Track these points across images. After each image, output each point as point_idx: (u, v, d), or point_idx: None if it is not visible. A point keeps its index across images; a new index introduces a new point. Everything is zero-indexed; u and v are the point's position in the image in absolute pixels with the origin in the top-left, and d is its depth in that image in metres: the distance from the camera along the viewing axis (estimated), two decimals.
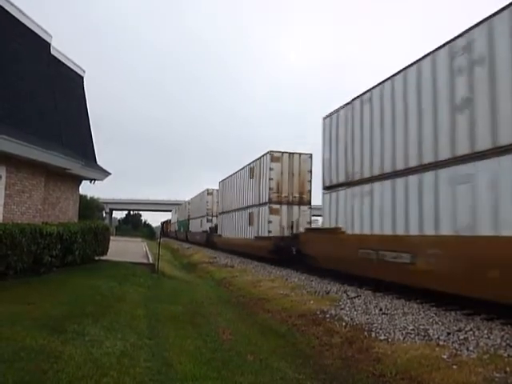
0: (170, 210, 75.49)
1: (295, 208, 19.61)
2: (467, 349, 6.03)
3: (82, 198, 19.86)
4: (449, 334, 6.77)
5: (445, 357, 5.83)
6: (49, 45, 13.34)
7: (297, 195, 19.75)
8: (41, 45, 12.84)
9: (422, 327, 7.26)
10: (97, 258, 13.43)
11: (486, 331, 6.71)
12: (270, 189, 19.54)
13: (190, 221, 46.99)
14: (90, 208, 23.29)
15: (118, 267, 12.77)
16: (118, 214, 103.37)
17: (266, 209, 19.85)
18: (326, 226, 13.78)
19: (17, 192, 10.84)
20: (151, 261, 15.63)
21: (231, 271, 18.15)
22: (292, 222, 19.42)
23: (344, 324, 8.15)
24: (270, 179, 19.53)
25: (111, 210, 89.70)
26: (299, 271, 15.87)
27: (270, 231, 19.37)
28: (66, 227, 11.01)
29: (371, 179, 11.22)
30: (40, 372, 3.92)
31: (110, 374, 4.13)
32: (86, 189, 21.85)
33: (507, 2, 7.34)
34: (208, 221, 37.31)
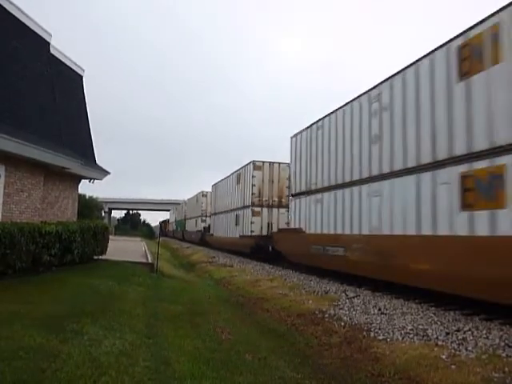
0: (169, 210, 75.55)
1: (275, 210, 22.03)
2: (466, 349, 6.03)
3: (81, 197, 19.87)
4: (447, 333, 6.77)
5: (443, 357, 5.83)
6: (48, 44, 13.33)
7: (276, 199, 22.15)
8: (40, 44, 12.83)
9: (420, 327, 7.26)
10: (96, 257, 13.42)
11: (484, 331, 6.72)
12: (252, 194, 21.89)
13: (187, 221, 48.44)
14: (89, 207, 23.28)
15: (117, 266, 12.76)
16: (117, 214, 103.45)
17: (249, 211, 22.09)
18: (292, 227, 16.48)
19: (16, 191, 10.83)
20: (150, 260, 15.63)
21: (230, 271, 18.16)
22: (268, 223, 21.78)
23: (343, 324, 8.16)
24: (252, 185, 21.99)
25: (110, 210, 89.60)
26: (298, 271, 15.89)
27: (252, 231, 21.68)
28: (64, 226, 10.99)
29: (321, 190, 14.12)
30: (38, 371, 3.91)
31: (109, 373, 4.12)
32: (85, 188, 21.96)
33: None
34: (202, 221, 38.94)
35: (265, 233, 21.36)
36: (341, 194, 12.62)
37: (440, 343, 6.39)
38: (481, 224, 7.39)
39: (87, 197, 25.26)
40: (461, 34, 8.24)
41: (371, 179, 11.02)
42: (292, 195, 16.78)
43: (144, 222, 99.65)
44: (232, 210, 25.92)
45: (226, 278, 16.31)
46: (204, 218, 38.57)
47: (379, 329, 7.51)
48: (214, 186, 33.35)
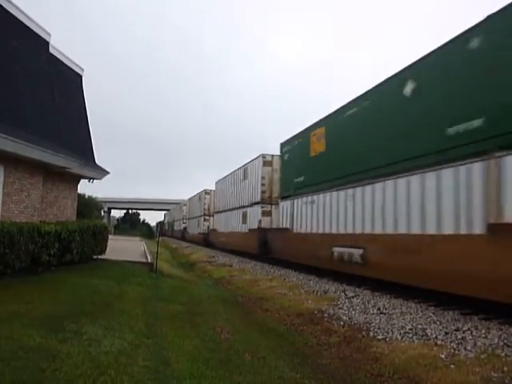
0: (169, 209, 75.72)
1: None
2: (465, 348, 6.04)
3: (81, 196, 19.82)
4: (447, 333, 6.78)
5: (443, 356, 5.84)
6: (47, 43, 13.31)
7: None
8: (39, 43, 12.82)
9: (419, 327, 7.27)
10: (95, 257, 13.41)
11: (483, 331, 6.72)
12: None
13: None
14: (88, 207, 23.19)
15: (117, 266, 12.76)
16: (117, 213, 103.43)
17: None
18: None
19: (15, 191, 10.82)
20: (150, 260, 15.62)
21: (230, 270, 18.16)
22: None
23: (342, 323, 8.16)
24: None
25: (110, 209, 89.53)
26: (297, 271, 15.88)
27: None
28: (64, 226, 10.98)
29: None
30: (38, 371, 3.91)
31: (108, 372, 4.12)
32: (85, 188, 21.93)
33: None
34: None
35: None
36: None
37: (439, 343, 6.39)
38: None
39: (86, 196, 25.17)
40: None
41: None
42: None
43: (143, 221, 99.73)
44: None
45: (226, 277, 16.31)
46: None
47: (378, 328, 7.52)
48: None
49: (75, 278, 9.71)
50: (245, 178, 23.82)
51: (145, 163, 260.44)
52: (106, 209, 76.32)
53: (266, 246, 19.03)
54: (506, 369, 5.17)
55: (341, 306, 9.51)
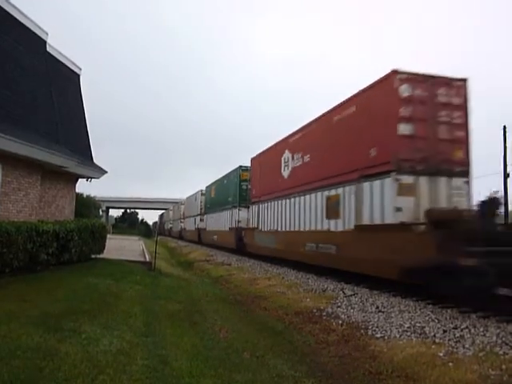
0: (167, 208, 75.72)
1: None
2: (463, 346, 6.05)
3: (79, 196, 19.79)
4: (445, 331, 6.79)
5: (441, 354, 5.85)
6: (45, 42, 13.28)
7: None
8: (37, 42, 12.78)
9: (418, 325, 7.28)
10: (93, 256, 13.40)
11: (481, 329, 6.74)
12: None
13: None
14: (86, 206, 23.15)
15: (115, 265, 12.75)
16: (115, 212, 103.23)
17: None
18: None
19: (13, 190, 10.80)
20: (148, 259, 15.62)
21: (228, 269, 18.17)
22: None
23: (340, 322, 8.17)
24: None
25: (108, 208, 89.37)
26: (296, 269, 15.89)
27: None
28: (62, 225, 10.96)
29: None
30: (36, 370, 3.91)
31: (107, 371, 4.12)
32: (83, 187, 21.89)
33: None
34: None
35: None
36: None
37: (437, 341, 6.40)
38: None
39: (85, 195, 25.14)
40: None
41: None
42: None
43: (142, 220, 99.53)
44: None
45: (224, 276, 16.31)
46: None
47: (377, 327, 7.53)
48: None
49: (73, 276, 9.70)
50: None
51: (143, 163, 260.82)
52: (104, 208, 76.24)
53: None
54: (504, 367, 5.19)
55: (339, 304, 9.52)
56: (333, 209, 12.62)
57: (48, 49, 13.61)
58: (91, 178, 16.41)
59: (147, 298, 8.85)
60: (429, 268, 8.10)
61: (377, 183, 10.45)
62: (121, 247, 20.59)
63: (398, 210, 9.69)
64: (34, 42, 12.62)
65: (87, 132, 17.03)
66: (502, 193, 22.06)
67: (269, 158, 19.35)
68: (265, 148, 20.32)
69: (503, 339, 6.14)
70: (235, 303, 10.80)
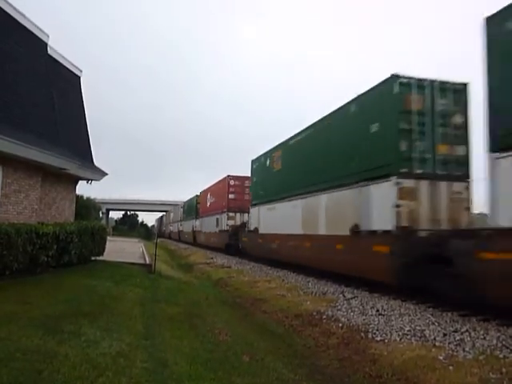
0: (167, 211, 75.78)
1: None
2: (463, 350, 6.04)
3: (79, 198, 19.75)
4: (445, 334, 6.78)
5: (441, 358, 5.84)
6: (46, 44, 13.29)
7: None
8: (38, 44, 12.80)
9: (418, 328, 7.27)
10: (93, 258, 13.38)
11: (482, 332, 6.73)
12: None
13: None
14: (86, 208, 23.10)
15: (115, 267, 12.74)
16: (115, 215, 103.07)
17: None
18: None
19: (13, 192, 10.79)
20: (148, 261, 15.60)
21: (228, 272, 18.15)
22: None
23: (340, 325, 8.16)
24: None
25: (108, 211, 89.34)
26: (296, 272, 15.89)
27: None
28: (62, 227, 10.95)
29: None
30: (35, 372, 3.90)
31: (106, 374, 4.11)
32: (83, 189, 21.86)
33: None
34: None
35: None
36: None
37: (438, 344, 6.39)
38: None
39: (85, 198, 25.12)
40: None
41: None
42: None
43: (142, 222, 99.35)
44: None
45: (224, 278, 16.29)
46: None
47: (377, 330, 7.52)
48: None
49: (73, 279, 9.69)
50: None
51: (143, 165, 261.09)
52: (104, 210, 76.25)
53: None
54: (504, 370, 5.18)
55: (339, 307, 9.50)
56: None
57: (49, 51, 13.62)
58: (92, 179, 16.41)
59: (147, 300, 8.83)
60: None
61: None
62: (121, 249, 20.58)
63: None
64: (35, 45, 12.63)
65: (88, 134, 17.03)
66: None
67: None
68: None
69: (503, 342, 6.13)
70: (235, 306, 10.79)
